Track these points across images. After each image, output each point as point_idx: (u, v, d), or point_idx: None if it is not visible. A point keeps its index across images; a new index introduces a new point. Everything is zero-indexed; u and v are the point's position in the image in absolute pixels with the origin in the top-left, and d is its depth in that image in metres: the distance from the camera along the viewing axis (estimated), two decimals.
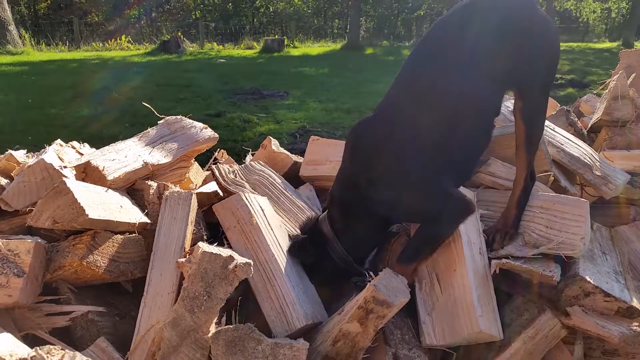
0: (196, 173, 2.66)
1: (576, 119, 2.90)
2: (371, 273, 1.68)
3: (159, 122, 2.36)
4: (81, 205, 1.66)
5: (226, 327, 1.46)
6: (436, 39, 1.93)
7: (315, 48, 22.33)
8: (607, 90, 2.77)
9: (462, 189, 2.11)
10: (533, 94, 1.92)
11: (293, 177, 2.75)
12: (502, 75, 1.86)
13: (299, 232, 2.03)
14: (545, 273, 1.84)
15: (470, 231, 2.00)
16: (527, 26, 1.87)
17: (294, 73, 14.28)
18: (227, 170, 2.19)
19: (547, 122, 2.54)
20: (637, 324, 1.82)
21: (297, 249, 1.92)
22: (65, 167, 1.97)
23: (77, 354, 1.34)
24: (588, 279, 1.87)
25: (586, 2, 29.16)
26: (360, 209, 1.88)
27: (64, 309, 1.75)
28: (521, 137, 1.97)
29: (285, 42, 20.93)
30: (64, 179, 1.72)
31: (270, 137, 2.99)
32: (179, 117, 2.39)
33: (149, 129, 2.30)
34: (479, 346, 1.88)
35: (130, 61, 15.64)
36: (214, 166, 2.21)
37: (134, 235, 1.91)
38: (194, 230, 2.06)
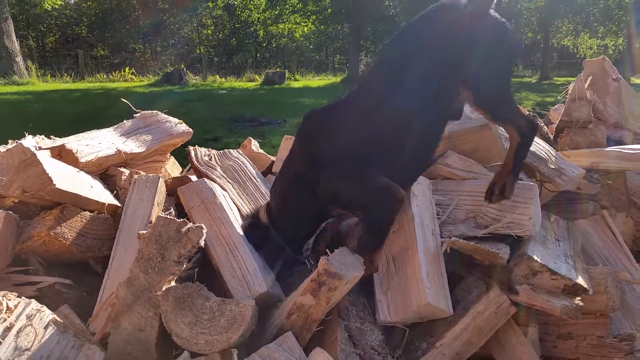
0: (172, 166, 2.77)
1: (541, 124, 3.02)
2: (311, 261, 1.75)
3: (134, 115, 2.48)
4: (49, 175, 1.77)
5: (176, 285, 1.54)
6: (395, 48, 2.07)
7: (315, 81, 22.74)
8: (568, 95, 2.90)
9: (421, 179, 2.20)
10: (481, 83, 2.00)
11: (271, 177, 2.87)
12: (450, 77, 1.96)
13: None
14: (493, 250, 1.93)
15: (423, 214, 2.10)
16: (466, 32, 1.97)
17: (293, 103, 14.52)
18: (203, 152, 2.31)
19: None
20: (579, 299, 1.90)
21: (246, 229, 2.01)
22: (40, 148, 2.08)
23: (33, 300, 1.42)
24: (535, 258, 1.94)
25: (582, 39, 29.72)
26: (296, 197, 1.96)
27: (31, 279, 1.84)
28: (489, 119, 2.13)
29: (287, 75, 21.34)
30: (35, 151, 1.83)
31: (251, 138, 3.12)
32: (154, 111, 2.52)
33: (125, 121, 2.42)
34: (431, 322, 1.94)
35: (133, 91, 15.96)
36: (191, 147, 2.32)
37: (102, 214, 2.01)
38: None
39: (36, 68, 17.97)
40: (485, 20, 2.02)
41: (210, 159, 2.30)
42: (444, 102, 2.04)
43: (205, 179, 2.11)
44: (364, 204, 1.92)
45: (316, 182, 1.88)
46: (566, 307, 1.84)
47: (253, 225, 2.02)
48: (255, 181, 2.31)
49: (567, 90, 2.98)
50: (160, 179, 2.09)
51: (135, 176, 2.09)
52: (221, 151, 2.41)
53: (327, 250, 1.77)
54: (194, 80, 19.96)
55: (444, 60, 1.95)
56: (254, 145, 3.09)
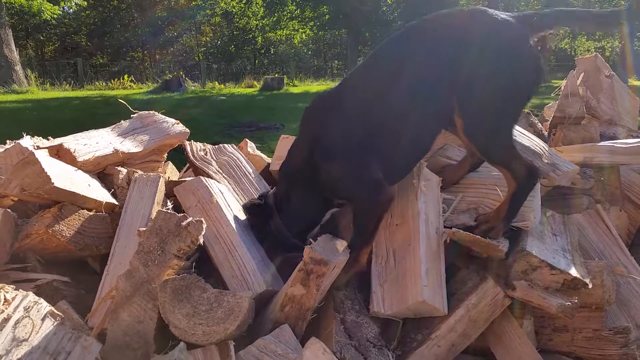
0: (171, 172, 2.80)
1: (536, 121, 3.04)
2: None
3: (132, 115, 2.51)
4: (48, 174, 1.79)
5: (174, 276, 1.56)
6: (398, 45, 2.01)
7: (314, 86, 22.76)
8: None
9: (430, 175, 2.20)
10: (472, 109, 1.84)
11: (267, 178, 2.88)
12: (445, 88, 1.86)
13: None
14: (493, 242, 1.93)
15: (429, 211, 2.09)
16: (471, 39, 1.84)
17: (292, 108, 14.52)
18: (198, 147, 2.34)
19: None
20: (576, 298, 1.90)
21: (246, 211, 2.06)
22: (38, 147, 2.10)
23: (30, 293, 1.44)
24: (534, 253, 1.94)
25: (579, 41, 29.79)
26: (299, 183, 1.99)
27: (30, 276, 1.86)
28: (478, 154, 2.03)
29: (285, 81, 21.38)
30: (33, 150, 1.85)
31: (247, 140, 3.14)
32: (151, 112, 2.55)
33: (122, 122, 2.45)
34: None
35: (132, 98, 16.01)
36: (186, 142, 2.34)
37: (100, 213, 2.03)
38: None
39: (35, 77, 18.01)
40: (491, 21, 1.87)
41: (206, 154, 2.33)
42: (440, 105, 1.92)
43: (201, 177, 2.13)
44: (354, 196, 1.94)
45: (316, 169, 1.91)
46: (562, 306, 1.84)
47: (254, 214, 2.05)
48: (250, 177, 2.34)
49: (560, 87, 3.01)
50: (161, 178, 2.12)
51: (136, 175, 2.12)
52: (216, 146, 2.44)
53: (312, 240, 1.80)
54: (192, 87, 19.97)
55: (440, 65, 1.86)
56: (250, 147, 3.12)
